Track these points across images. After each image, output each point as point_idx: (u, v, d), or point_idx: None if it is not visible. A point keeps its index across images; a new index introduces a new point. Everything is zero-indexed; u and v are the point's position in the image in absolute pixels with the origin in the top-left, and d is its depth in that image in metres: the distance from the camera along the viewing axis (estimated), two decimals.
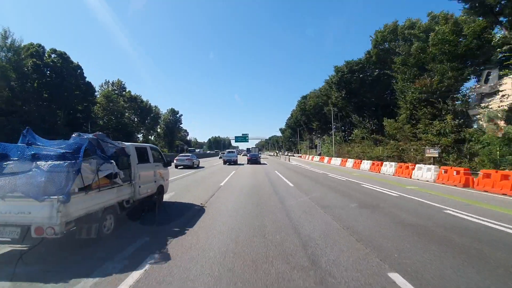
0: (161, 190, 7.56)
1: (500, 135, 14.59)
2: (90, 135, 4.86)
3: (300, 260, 3.73)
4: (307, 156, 52.76)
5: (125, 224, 5.54)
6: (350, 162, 25.96)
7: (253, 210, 7.00)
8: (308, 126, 65.80)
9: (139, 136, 64.18)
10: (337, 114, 42.87)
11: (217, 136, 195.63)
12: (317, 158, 42.07)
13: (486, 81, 19.05)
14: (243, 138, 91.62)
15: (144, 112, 66.58)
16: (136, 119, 65.15)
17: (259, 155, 37.92)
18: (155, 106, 74.52)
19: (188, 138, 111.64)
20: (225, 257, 3.85)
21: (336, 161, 30.84)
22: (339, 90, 36.76)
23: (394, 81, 26.57)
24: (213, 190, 10.57)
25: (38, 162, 3.82)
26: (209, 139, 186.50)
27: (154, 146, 7.87)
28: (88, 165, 4.28)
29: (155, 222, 5.82)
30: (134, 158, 5.93)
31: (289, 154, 67.22)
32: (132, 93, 64.13)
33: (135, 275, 3.31)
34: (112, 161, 4.98)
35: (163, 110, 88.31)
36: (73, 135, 4.90)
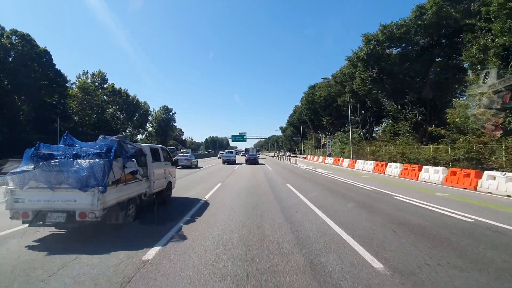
0: (169, 186, 8.42)
1: None
2: (113, 137, 5.74)
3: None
4: (314, 157, 45.95)
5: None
6: (394, 168, 17.37)
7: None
8: (314, 122, 58.65)
9: (125, 134, 56.41)
10: (355, 106, 35.57)
11: (214, 136, 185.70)
12: (329, 160, 34.36)
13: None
14: (241, 137, 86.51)
15: (131, 108, 60.07)
16: (121, 116, 58.81)
17: (257, 155, 38.70)
18: (144, 102, 68.36)
19: (183, 137, 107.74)
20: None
21: (366, 165, 21.84)
22: (368, 68, 26.09)
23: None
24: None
25: (79, 160, 4.69)
26: (206, 139, 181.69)
27: (163, 146, 8.74)
28: (117, 163, 5.14)
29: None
30: (149, 157, 6.79)
31: (291, 155, 61.00)
32: (120, 88, 57.96)
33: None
34: (134, 159, 5.85)
35: (156, 107, 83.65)
36: (100, 137, 5.79)
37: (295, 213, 6.65)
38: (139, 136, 71.38)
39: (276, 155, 75.91)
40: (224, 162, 31.24)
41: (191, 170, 22.22)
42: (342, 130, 46.17)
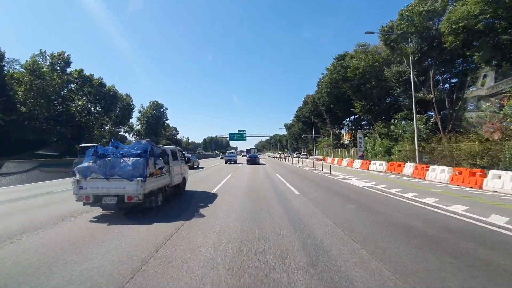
0: (184, 180, 10.06)
1: None
2: (143, 141, 7.39)
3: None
4: (335, 159, 34.57)
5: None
6: None
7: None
8: (335, 114, 47.43)
9: (95, 134, 45.73)
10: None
11: (213, 135, 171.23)
12: (381, 165, 20.42)
13: None
14: (240, 136, 76.40)
15: (107, 100, 48.76)
16: (93, 109, 48.02)
17: (258, 155, 40.00)
18: (126, 95, 57.22)
19: (178, 137, 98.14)
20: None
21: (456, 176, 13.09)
22: None
23: None
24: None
25: (125, 158, 6.34)
26: (205, 139, 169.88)
27: (179, 148, 10.40)
28: (151, 161, 6.79)
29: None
30: (170, 157, 8.44)
31: (301, 155, 51.24)
32: (92, 75, 45.79)
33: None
34: (161, 158, 7.51)
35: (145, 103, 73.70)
36: (134, 141, 7.46)
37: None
38: (128, 136, 63.52)
39: (283, 155, 61.45)
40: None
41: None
42: (388, 120, 29.43)
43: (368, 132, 35.25)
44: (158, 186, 7.12)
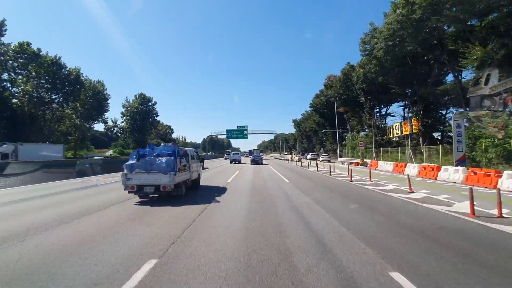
0: (199, 177, 12.06)
1: None
2: (169, 144, 9.41)
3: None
4: (387, 164, 23.05)
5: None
6: None
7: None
8: (379, 94, 34.04)
9: (56, 128, 38.26)
10: None
11: (214, 135, 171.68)
12: (455, 174, 14.02)
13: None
14: (240, 133, 61.53)
15: (70, 87, 38.28)
16: (47, 96, 37.02)
17: (261, 156, 41.60)
18: (98, 81, 46.80)
19: (173, 136, 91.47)
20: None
21: None
22: None
23: None
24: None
25: (159, 157, 8.34)
26: (204, 139, 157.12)
27: (195, 149, 12.42)
28: (178, 159, 8.78)
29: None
30: (190, 157, 10.44)
31: (322, 157, 38.64)
32: (40, 49, 34.76)
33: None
34: (184, 157, 9.51)
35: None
36: (162, 144, 9.47)
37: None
38: (110, 133, 58.84)
39: (295, 157, 47.34)
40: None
41: None
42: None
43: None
44: (182, 180, 9.11)
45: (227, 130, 63.14)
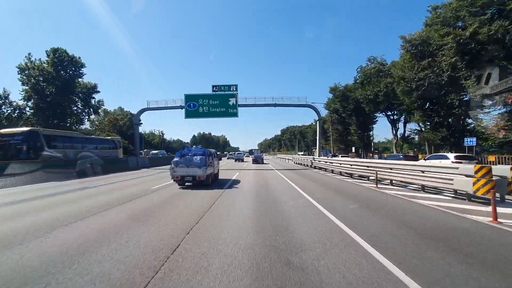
0: (218, 172, 15.76)
1: None
2: (199, 146, 13.13)
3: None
4: None
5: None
6: None
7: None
8: None
9: None
10: None
11: (206, 133, 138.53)
12: None
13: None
14: (222, 102, 30.05)
15: None
16: None
17: (262, 156, 44.19)
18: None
19: (147, 132, 77.52)
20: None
21: None
22: None
23: None
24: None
25: (195, 156, 12.09)
26: (194, 136, 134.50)
27: (215, 150, 16.13)
28: (207, 157, 12.47)
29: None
30: (213, 155, 14.13)
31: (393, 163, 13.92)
32: None
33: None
34: (210, 156, 13.22)
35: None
36: (193, 147, 13.22)
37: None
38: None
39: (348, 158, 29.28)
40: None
41: None
42: None
43: None
44: (209, 173, 12.81)
45: (213, 86, 31.00)
